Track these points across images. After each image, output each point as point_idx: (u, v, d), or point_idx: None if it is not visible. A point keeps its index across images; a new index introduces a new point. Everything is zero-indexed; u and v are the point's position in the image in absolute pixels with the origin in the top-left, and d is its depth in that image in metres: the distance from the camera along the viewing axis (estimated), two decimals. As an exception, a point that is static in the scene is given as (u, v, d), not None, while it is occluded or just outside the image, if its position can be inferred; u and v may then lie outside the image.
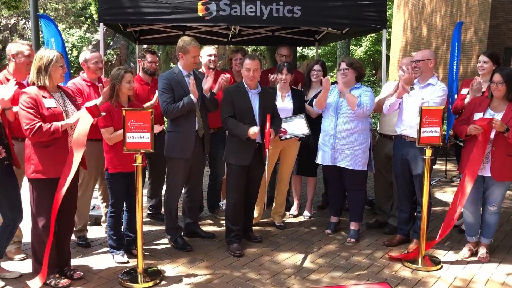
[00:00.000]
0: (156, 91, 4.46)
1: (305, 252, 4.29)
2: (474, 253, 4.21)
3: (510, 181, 4.02)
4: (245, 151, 4.20)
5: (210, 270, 3.88)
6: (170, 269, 3.90)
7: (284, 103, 4.71)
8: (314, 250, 4.34)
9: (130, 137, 3.50)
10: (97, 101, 3.81)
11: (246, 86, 4.22)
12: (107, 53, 17.91)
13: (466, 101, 4.46)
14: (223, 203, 5.22)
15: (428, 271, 3.90)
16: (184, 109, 4.03)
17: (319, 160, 4.65)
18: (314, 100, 4.70)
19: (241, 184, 4.33)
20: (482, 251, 4.16)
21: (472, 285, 3.68)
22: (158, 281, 3.64)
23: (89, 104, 3.47)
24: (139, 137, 3.51)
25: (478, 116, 3.97)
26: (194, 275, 3.78)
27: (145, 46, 6.50)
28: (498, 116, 3.88)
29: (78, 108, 3.59)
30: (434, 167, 5.98)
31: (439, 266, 3.97)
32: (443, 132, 4.72)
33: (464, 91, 4.64)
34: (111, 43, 18.97)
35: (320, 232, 4.80)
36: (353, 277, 3.79)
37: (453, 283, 3.71)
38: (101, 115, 3.54)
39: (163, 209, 4.56)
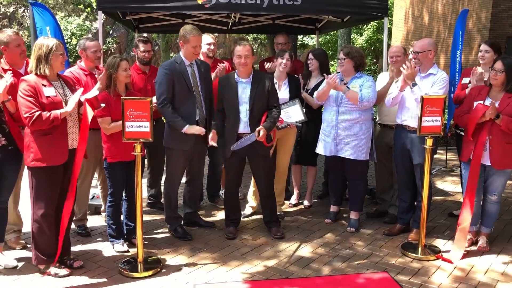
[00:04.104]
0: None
1: (305, 241, 4.29)
2: (474, 243, 4.21)
3: (511, 169, 3.99)
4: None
5: (210, 259, 3.88)
6: (170, 258, 3.90)
7: (280, 92, 4.66)
8: (314, 239, 4.34)
9: (129, 126, 3.48)
10: (94, 89, 3.79)
11: (236, 76, 4.17)
12: (107, 41, 17.79)
13: (467, 90, 4.43)
14: (222, 192, 5.22)
15: (428, 261, 3.90)
16: (175, 126, 4.03)
17: (321, 151, 4.62)
18: (315, 92, 4.64)
19: (238, 173, 4.36)
20: (482, 240, 4.16)
21: (471, 275, 3.68)
22: (158, 270, 3.65)
23: (89, 95, 3.44)
24: (138, 126, 3.49)
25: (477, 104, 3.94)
26: (194, 264, 3.78)
27: (145, 34, 6.45)
28: (496, 104, 3.84)
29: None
30: (434, 156, 5.97)
31: (438, 256, 3.97)
32: (444, 122, 4.71)
33: (465, 80, 4.60)
34: (111, 31, 18.84)
35: (320, 221, 4.80)
36: (353, 267, 3.79)
37: (453, 272, 3.72)
38: (101, 106, 3.53)
39: (163, 199, 4.55)
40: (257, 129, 4.06)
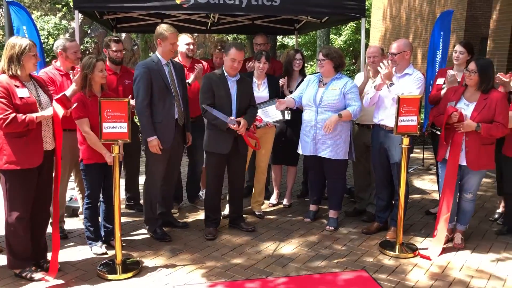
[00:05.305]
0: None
1: (285, 240, 4.31)
2: (450, 240, 4.28)
3: (486, 170, 4.08)
4: (224, 139, 4.20)
5: (190, 261, 3.87)
6: (149, 260, 3.87)
7: (260, 92, 4.72)
8: (293, 238, 4.36)
9: (107, 127, 3.45)
10: (68, 90, 3.73)
11: (226, 74, 4.20)
12: (85, 41, 17.54)
13: (442, 92, 4.50)
14: (202, 192, 5.20)
15: (405, 258, 3.96)
16: (144, 133, 4.04)
17: (300, 151, 4.66)
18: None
19: (220, 173, 4.35)
20: (458, 237, 4.24)
21: (447, 272, 3.75)
22: (137, 271, 3.62)
23: (58, 95, 3.39)
24: (116, 127, 3.46)
25: (451, 105, 4.01)
26: (174, 265, 3.76)
27: (123, 34, 6.39)
28: (471, 106, 3.93)
29: (51, 97, 3.50)
30: (411, 155, 6.06)
31: (415, 253, 4.04)
32: (421, 121, 4.78)
33: (439, 81, 4.68)
34: (89, 31, 18.59)
35: (299, 220, 4.83)
36: (332, 265, 3.82)
37: (430, 269, 3.78)
38: (72, 106, 3.47)
39: (142, 200, 4.51)
40: (237, 119, 4.15)
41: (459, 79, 4.46)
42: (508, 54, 8.73)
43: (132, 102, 4.10)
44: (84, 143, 3.81)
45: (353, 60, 22.19)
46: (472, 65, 3.90)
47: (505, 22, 9.14)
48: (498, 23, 9.34)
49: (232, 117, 4.13)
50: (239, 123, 4.13)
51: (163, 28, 4.08)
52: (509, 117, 3.96)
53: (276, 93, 4.78)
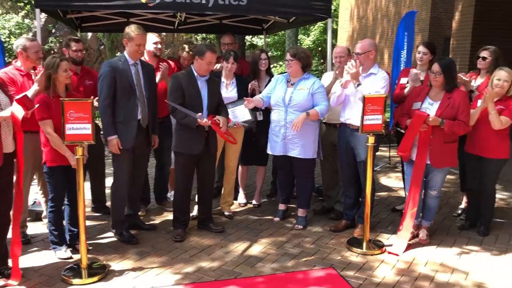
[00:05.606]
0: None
1: (254, 240, 4.31)
2: (415, 236, 4.38)
3: (449, 167, 4.19)
4: (196, 140, 4.17)
5: (158, 263, 3.82)
6: (116, 263, 3.80)
7: (228, 92, 4.73)
8: (262, 238, 4.37)
9: (70, 128, 3.37)
10: (30, 91, 3.62)
11: (196, 74, 4.18)
12: (49, 41, 17.10)
13: (406, 91, 4.60)
14: (171, 194, 5.15)
15: (372, 255, 4.02)
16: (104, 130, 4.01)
17: (269, 151, 4.67)
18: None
19: (190, 173, 4.32)
20: (423, 233, 4.33)
21: (413, 267, 3.83)
22: (103, 275, 3.55)
23: (19, 96, 3.29)
24: (80, 129, 3.38)
25: (417, 105, 4.10)
26: (141, 268, 3.71)
27: (89, 34, 6.26)
28: (436, 105, 4.02)
29: (11, 98, 3.39)
30: (379, 153, 6.15)
31: (382, 250, 4.11)
32: (387, 120, 4.88)
33: (403, 80, 4.78)
34: (53, 30, 18.13)
35: (268, 220, 4.84)
36: (301, 264, 3.85)
37: (396, 265, 3.85)
38: (34, 107, 3.37)
39: (108, 202, 4.43)
40: (217, 117, 4.16)
41: (422, 78, 4.57)
42: (469, 53, 8.98)
43: (96, 103, 4.02)
44: (48, 145, 3.71)
45: (322, 60, 22.41)
46: (436, 67, 3.99)
47: (466, 22, 9.41)
48: (460, 24, 9.60)
49: (200, 114, 4.09)
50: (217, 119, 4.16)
51: (131, 28, 4.04)
52: (470, 115, 4.09)
53: (244, 93, 4.78)
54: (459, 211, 5.07)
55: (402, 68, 5.62)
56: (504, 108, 4.14)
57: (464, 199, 5.04)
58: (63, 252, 3.85)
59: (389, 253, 4.06)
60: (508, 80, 4.11)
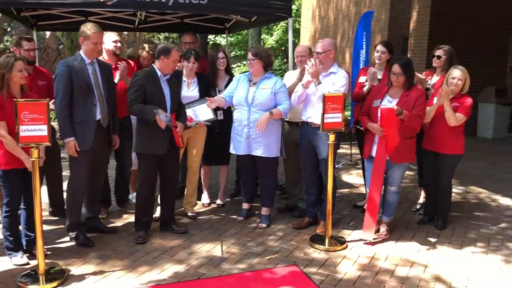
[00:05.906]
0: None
1: (218, 240, 4.29)
2: (376, 231, 4.46)
3: (407, 163, 4.30)
4: (159, 139, 4.11)
5: (119, 266, 3.75)
6: (75, 267, 3.70)
7: (189, 91, 4.70)
8: (226, 238, 4.35)
9: (24, 130, 3.26)
10: None
11: (159, 73, 4.12)
12: (4, 39, 16.51)
13: (365, 89, 4.69)
14: (132, 196, 5.07)
15: (334, 251, 4.08)
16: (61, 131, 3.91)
17: (233, 151, 4.66)
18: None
19: (153, 175, 4.27)
20: (383, 229, 4.43)
21: (374, 262, 3.91)
22: (62, 281, 3.45)
23: None
24: (35, 130, 3.28)
25: (376, 103, 4.19)
26: (102, 272, 3.63)
27: (48, 32, 6.07)
28: (394, 102, 4.13)
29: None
30: (340, 151, 6.25)
31: (344, 246, 4.17)
32: (348, 118, 4.95)
33: (361, 79, 4.87)
34: (9, 29, 17.52)
35: (232, 219, 4.83)
36: (264, 262, 3.86)
37: (358, 260, 3.92)
38: None
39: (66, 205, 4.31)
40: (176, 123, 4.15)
41: (380, 77, 4.66)
42: (427, 52, 9.26)
43: (52, 106, 3.91)
44: (1, 147, 3.58)
45: (285, 60, 22.55)
46: (396, 68, 4.07)
47: (423, 22, 9.71)
48: (417, 24, 9.89)
49: (160, 109, 4.02)
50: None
51: (87, 26, 3.96)
52: (426, 112, 4.21)
53: (206, 92, 4.75)
54: (418, 206, 5.21)
55: (361, 67, 5.72)
56: (459, 105, 4.28)
57: (422, 194, 5.18)
58: (19, 258, 3.72)
59: (367, 243, 4.21)
60: (462, 79, 4.25)
